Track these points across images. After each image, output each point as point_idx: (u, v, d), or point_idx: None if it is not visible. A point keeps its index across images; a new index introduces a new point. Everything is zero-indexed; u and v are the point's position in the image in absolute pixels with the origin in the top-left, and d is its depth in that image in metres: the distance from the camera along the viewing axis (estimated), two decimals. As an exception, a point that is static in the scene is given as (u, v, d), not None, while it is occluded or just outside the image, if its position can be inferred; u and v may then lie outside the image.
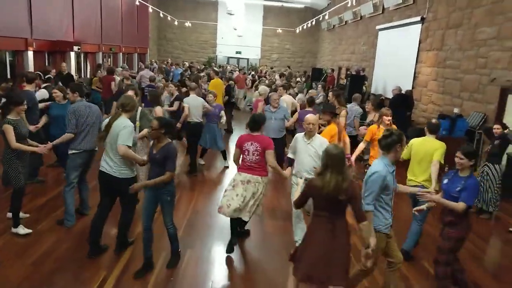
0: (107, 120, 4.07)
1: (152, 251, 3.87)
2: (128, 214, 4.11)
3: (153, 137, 3.74)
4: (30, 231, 4.41)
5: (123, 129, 3.80)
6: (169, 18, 23.64)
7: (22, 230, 4.40)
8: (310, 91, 8.84)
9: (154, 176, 3.67)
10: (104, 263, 3.98)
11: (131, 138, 3.85)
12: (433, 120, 4.87)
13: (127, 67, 16.03)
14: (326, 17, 19.66)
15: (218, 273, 4.00)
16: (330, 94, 7.48)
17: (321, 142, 4.23)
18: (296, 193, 3.38)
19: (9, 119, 4.26)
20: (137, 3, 19.48)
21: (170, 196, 3.77)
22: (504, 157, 6.57)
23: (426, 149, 4.40)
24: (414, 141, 4.79)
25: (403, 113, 8.69)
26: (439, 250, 3.51)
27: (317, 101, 9.42)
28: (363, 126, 7.12)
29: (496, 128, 5.64)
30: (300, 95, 10.02)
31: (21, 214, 4.57)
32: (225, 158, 7.61)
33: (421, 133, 8.36)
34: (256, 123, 4.27)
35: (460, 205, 3.33)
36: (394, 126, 5.33)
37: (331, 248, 2.86)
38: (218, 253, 4.39)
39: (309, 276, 2.89)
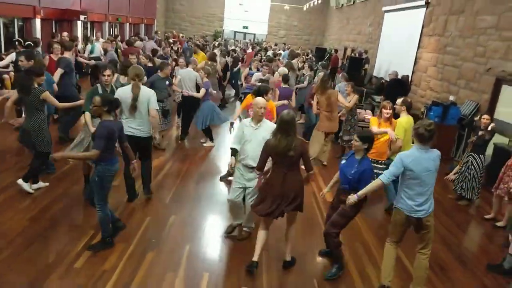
0: (128, 91, 4.47)
1: (109, 227, 3.93)
2: (149, 164, 4.99)
3: (95, 114, 3.73)
4: (32, 191, 4.79)
5: (153, 95, 4.60)
6: (177, -11, 23.44)
7: (27, 186, 4.75)
8: (319, 73, 8.64)
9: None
10: (94, 222, 4.29)
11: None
12: (409, 99, 5.31)
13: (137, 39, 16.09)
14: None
15: (197, 237, 4.31)
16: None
17: (270, 127, 3.92)
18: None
19: (37, 87, 4.60)
20: (144, -27, 19.32)
21: (97, 176, 3.65)
22: (491, 147, 6.75)
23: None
24: (403, 121, 5.14)
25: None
26: (333, 225, 3.75)
27: (305, 83, 9.46)
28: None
29: (486, 119, 5.67)
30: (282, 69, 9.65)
31: (41, 184, 4.96)
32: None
33: (416, 119, 8.57)
34: (259, 91, 4.93)
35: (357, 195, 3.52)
36: (394, 120, 5.28)
37: (282, 192, 3.57)
38: (200, 220, 4.71)
39: (268, 213, 3.63)
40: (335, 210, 3.82)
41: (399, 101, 5.39)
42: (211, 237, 4.39)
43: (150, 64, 7.94)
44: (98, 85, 4.88)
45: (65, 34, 10.97)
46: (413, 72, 11.22)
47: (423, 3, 10.88)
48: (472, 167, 5.78)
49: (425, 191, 3.39)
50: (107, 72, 4.68)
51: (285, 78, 7.30)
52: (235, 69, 11.25)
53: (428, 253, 3.58)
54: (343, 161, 3.76)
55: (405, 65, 11.51)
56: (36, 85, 4.61)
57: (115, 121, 3.78)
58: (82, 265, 3.61)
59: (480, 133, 5.71)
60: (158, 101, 5.95)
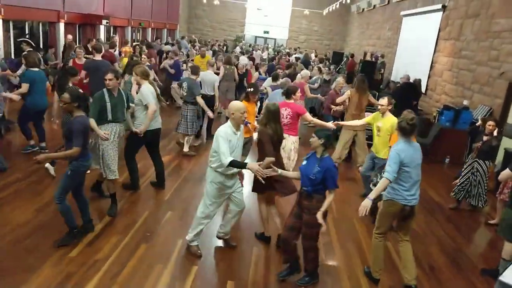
0: (150, 89, 4.93)
1: (87, 217, 4.14)
2: (161, 159, 5.42)
3: (66, 111, 3.71)
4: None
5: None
6: (199, -5, 23.93)
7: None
8: (337, 79, 8.33)
9: (67, 149, 3.70)
10: (95, 216, 4.48)
11: None
12: (391, 98, 5.47)
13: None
14: (356, -1, 19.32)
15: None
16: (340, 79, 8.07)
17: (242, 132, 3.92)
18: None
19: (71, 86, 4.80)
20: (167, -21, 19.83)
21: (71, 171, 3.71)
22: (501, 152, 6.57)
23: None
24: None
25: (410, 102, 8.64)
26: (306, 238, 3.48)
27: (316, 85, 9.52)
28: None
29: (492, 125, 5.45)
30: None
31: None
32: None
33: (425, 123, 8.43)
34: (288, 92, 5.38)
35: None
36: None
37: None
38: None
39: (285, 193, 4.07)
40: (297, 217, 3.54)
41: (384, 101, 5.21)
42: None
43: (148, 63, 8.61)
44: (104, 89, 4.60)
45: (69, 37, 11.30)
46: (429, 77, 11.04)
47: (439, 6, 10.72)
48: (477, 173, 5.59)
49: (417, 181, 3.55)
50: (109, 76, 4.46)
51: (275, 76, 8.05)
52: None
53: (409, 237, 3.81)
54: (304, 163, 3.48)
55: (422, 69, 11.35)
56: (71, 84, 5.00)
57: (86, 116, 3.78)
58: (76, 254, 3.79)
59: (484, 138, 5.55)
60: (193, 104, 6.69)
